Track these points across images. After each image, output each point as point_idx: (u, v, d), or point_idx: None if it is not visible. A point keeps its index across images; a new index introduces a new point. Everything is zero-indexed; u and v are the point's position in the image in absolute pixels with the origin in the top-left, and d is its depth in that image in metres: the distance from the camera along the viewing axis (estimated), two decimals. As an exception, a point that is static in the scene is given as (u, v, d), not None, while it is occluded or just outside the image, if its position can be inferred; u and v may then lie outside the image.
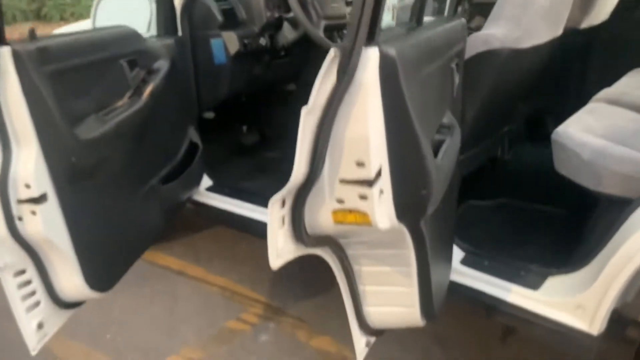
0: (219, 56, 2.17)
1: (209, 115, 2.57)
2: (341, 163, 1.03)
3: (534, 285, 1.56)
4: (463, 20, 1.53)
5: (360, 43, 0.99)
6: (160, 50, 1.88)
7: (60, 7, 9.65)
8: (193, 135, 2.11)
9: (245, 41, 2.17)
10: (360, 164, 1.02)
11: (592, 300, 1.38)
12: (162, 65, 1.81)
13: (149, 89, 1.69)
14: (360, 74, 1.00)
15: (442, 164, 1.20)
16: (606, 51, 2.36)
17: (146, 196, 1.75)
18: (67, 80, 1.36)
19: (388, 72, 1.01)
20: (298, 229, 1.13)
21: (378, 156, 1.02)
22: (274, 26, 2.28)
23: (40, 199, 1.26)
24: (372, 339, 1.44)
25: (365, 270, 1.35)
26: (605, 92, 1.99)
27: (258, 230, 1.99)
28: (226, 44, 2.15)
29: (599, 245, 1.44)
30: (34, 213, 1.27)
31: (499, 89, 1.75)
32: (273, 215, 1.07)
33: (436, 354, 1.97)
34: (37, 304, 1.41)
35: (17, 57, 1.23)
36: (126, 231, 1.65)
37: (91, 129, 1.41)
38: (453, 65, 1.36)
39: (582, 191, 1.56)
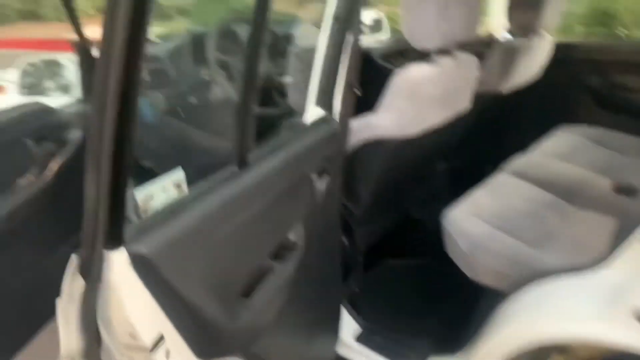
0: (147, 115, 2.23)
1: None
2: (117, 335, 0.92)
3: None
4: (334, 122, 1.51)
5: (99, 248, 0.85)
6: (76, 118, 1.93)
7: (57, 7, 9.71)
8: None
9: (172, 101, 2.22)
10: (133, 337, 0.92)
11: None
12: (76, 135, 1.86)
13: (57, 163, 1.74)
14: (109, 277, 0.86)
15: (260, 297, 1.16)
16: (532, 110, 2.39)
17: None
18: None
19: (144, 272, 0.89)
20: None
21: (152, 331, 0.94)
22: (206, 85, 2.33)
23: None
24: None
25: None
26: (516, 162, 2.02)
27: None
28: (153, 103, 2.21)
29: (473, 333, 1.49)
30: None
31: (395, 169, 1.79)
32: None
33: None
34: None
35: None
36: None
37: None
38: (312, 175, 1.39)
39: None
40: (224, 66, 2.25)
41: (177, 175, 1.01)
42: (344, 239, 1.88)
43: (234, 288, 1.06)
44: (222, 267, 1.02)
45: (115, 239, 0.85)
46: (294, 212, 1.30)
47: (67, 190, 1.76)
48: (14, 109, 1.72)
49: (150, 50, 2.29)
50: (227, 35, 2.33)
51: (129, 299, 0.87)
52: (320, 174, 1.44)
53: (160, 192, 0.96)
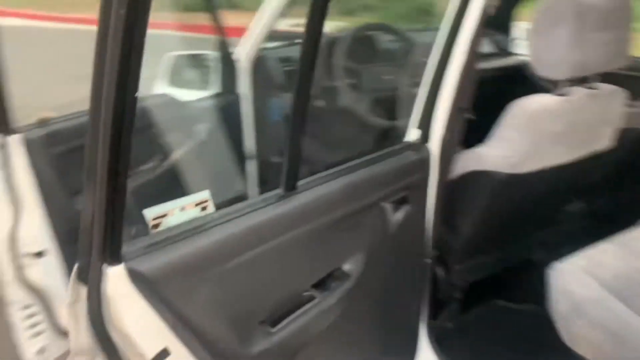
0: (275, 115, 2.30)
1: None
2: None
3: None
4: (423, 148, 1.41)
5: (97, 264, 0.85)
6: (204, 112, 2.07)
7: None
8: None
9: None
10: (134, 347, 0.91)
11: None
12: (201, 128, 2.00)
13: (178, 154, 1.89)
14: (107, 290, 0.86)
15: (288, 326, 1.11)
16: None
17: None
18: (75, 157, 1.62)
19: (144, 289, 0.88)
20: None
21: (154, 345, 0.93)
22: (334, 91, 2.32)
23: (40, 254, 1.54)
24: None
25: None
26: None
27: None
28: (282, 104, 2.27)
29: None
30: (34, 264, 1.56)
31: (507, 205, 1.62)
32: None
33: None
34: (40, 332, 1.70)
35: (27, 143, 1.51)
36: None
37: None
38: (385, 205, 1.30)
39: None
40: (351, 74, 2.21)
41: (202, 195, 1.02)
42: (441, 272, 1.75)
43: (253, 314, 1.04)
44: (240, 292, 1.00)
45: (113, 255, 0.85)
46: (353, 242, 1.24)
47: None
48: (145, 98, 1.89)
49: (287, 52, 2.34)
50: (361, 41, 2.28)
51: (128, 312, 0.88)
52: (398, 203, 1.35)
53: (177, 211, 0.97)
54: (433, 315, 1.79)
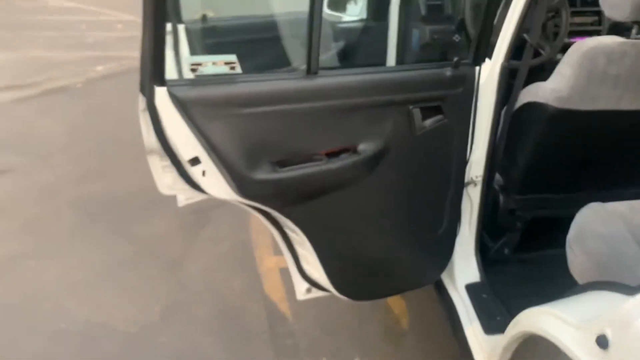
0: (415, 45, 2.51)
1: None
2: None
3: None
4: (467, 68, 1.54)
5: (149, 84, 1.25)
6: (348, 32, 2.39)
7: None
8: None
9: (435, 36, 2.43)
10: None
11: None
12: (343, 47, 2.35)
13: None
14: (157, 105, 1.27)
15: (290, 171, 1.43)
16: None
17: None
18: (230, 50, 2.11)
19: (181, 110, 1.28)
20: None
21: (188, 151, 1.33)
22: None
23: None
24: (312, 288, 1.81)
25: (290, 235, 1.65)
26: None
27: None
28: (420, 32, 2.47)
29: None
30: None
31: (554, 142, 1.67)
32: None
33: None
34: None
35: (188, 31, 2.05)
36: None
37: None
38: (412, 107, 1.49)
39: None
40: (477, 9, 2.31)
41: (230, 57, 1.39)
42: (503, 199, 1.88)
43: (263, 153, 1.39)
44: (254, 133, 1.36)
45: (159, 78, 1.25)
46: (371, 130, 1.49)
47: None
48: (294, 13, 2.30)
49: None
50: None
51: (169, 123, 1.29)
52: (429, 110, 1.55)
53: (210, 64, 1.36)
54: (493, 239, 1.94)
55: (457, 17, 2.42)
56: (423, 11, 2.49)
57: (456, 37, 2.48)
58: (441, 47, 2.44)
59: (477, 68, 1.57)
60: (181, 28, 2.00)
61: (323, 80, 1.42)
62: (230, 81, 1.36)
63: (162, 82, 1.27)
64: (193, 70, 1.33)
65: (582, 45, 1.51)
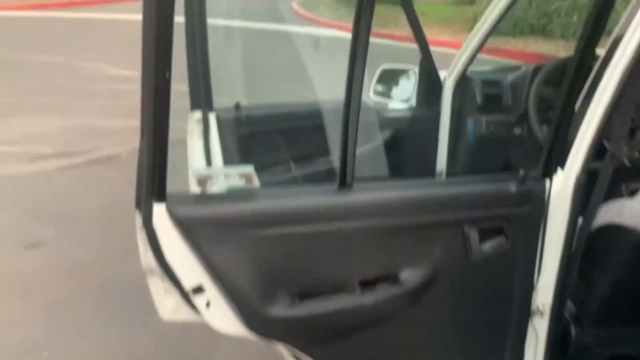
0: (469, 135, 2.29)
1: None
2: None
3: None
4: (533, 182, 1.30)
5: (147, 199, 1.07)
6: (398, 121, 2.21)
7: (565, 25, 9.94)
8: None
9: (492, 128, 2.21)
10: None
11: None
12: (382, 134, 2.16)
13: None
14: (154, 223, 1.08)
15: (312, 306, 1.20)
16: None
17: None
18: (260, 139, 1.93)
19: (180, 229, 1.08)
20: None
21: (191, 278, 1.12)
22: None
23: None
24: None
25: None
26: None
27: None
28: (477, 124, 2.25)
29: None
30: None
31: None
32: None
33: None
34: None
35: (220, 121, 1.88)
36: None
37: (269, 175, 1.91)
38: (469, 228, 1.23)
39: None
40: (543, 104, 2.07)
41: (247, 168, 1.17)
42: (574, 331, 1.57)
43: (283, 283, 1.16)
44: (272, 260, 1.14)
45: (158, 193, 1.07)
46: (417, 255, 1.24)
47: None
48: (326, 102, 2.13)
49: (493, 76, 2.32)
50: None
51: (168, 245, 1.08)
52: (490, 232, 1.29)
53: (222, 177, 1.15)
54: None
55: (517, 109, 2.19)
56: (479, 100, 2.28)
57: (516, 131, 2.24)
58: (500, 146, 2.21)
59: (548, 181, 1.31)
60: (212, 116, 1.85)
61: (359, 196, 1.19)
62: (246, 197, 1.16)
63: (161, 197, 1.09)
64: (200, 185, 1.13)
65: None
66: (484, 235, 1.27)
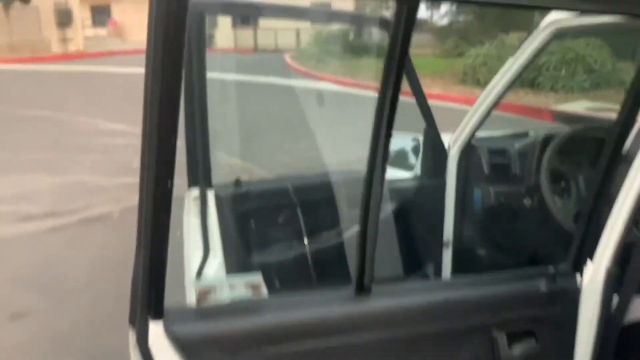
0: (476, 207, 2.20)
1: None
2: None
3: None
4: (566, 279, 1.20)
5: (142, 316, 0.95)
6: (403, 191, 2.13)
7: (554, 78, 10.12)
8: None
9: (502, 199, 2.13)
10: None
11: None
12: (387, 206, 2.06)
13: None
14: (150, 342, 0.97)
15: None
16: None
17: None
18: (261, 217, 1.84)
19: (179, 350, 0.97)
20: None
21: None
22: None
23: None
24: None
25: None
26: None
27: None
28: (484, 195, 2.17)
29: None
30: None
31: None
32: None
33: None
34: None
35: (218, 198, 1.79)
36: None
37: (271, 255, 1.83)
38: (498, 334, 1.12)
39: None
40: (557, 177, 2.00)
41: (254, 277, 1.06)
42: None
43: None
44: None
45: (155, 310, 0.95)
46: None
47: None
48: (337, 173, 2.05)
49: (498, 144, 2.25)
50: (579, 141, 2.05)
51: None
52: (519, 336, 1.18)
53: (226, 288, 1.04)
54: None
55: (527, 180, 2.12)
56: (486, 169, 2.21)
57: (526, 201, 2.16)
58: (510, 218, 2.12)
59: (578, 276, 1.22)
60: (210, 194, 1.76)
61: (378, 302, 1.07)
62: (252, 310, 1.04)
63: (159, 314, 0.97)
64: (200, 299, 1.01)
65: None
66: (513, 339, 1.16)
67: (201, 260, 1.74)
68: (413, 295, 1.11)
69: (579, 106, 9.31)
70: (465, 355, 1.14)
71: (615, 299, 1.25)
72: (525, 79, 10.42)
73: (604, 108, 8.97)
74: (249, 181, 1.95)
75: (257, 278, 1.07)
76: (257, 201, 1.83)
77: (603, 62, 10.50)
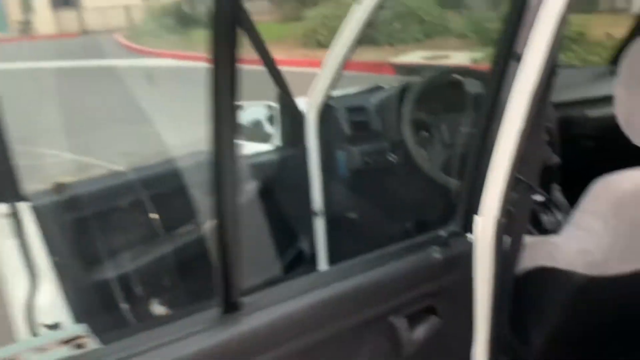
0: (343, 170, 2.08)
1: None
2: None
3: None
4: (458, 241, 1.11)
5: None
6: (264, 166, 1.93)
7: (389, 33, 10.48)
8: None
9: (367, 159, 2.02)
10: None
11: None
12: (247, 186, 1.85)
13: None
14: None
15: None
16: None
17: None
18: (91, 225, 1.54)
19: None
20: None
21: None
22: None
23: (54, 327, 1.48)
24: None
25: None
26: None
27: None
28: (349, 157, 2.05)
29: None
30: None
31: (583, 319, 1.23)
32: None
33: None
34: None
35: (38, 210, 1.46)
36: None
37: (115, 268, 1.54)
38: (396, 320, 0.99)
39: None
40: (419, 127, 1.93)
41: (75, 330, 0.81)
42: None
43: None
44: None
45: None
46: None
47: None
48: (184, 158, 1.79)
49: (355, 101, 2.13)
50: (440, 88, 1.99)
51: None
52: (419, 315, 1.05)
53: (31, 355, 0.77)
54: None
55: (390, 136, 2.02)
56: (347, 129, 2.07)
57: (391, 157, 2.07)
58: (381, 178, 2.02)
59: (469, 236, 1.10)
60: (25, 207, 1.41)
61: (253, 319, 0.85)
62: None
63: None
64: None
65: (613, 188, 1.10)
66: (413, 320, 1.03)
67: (29, 290, 1.41)
68: (294, 299, 0.91)
69: (415, 56, 9.76)
70: (366, 353, 0.98)
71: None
72: (365, 37, 10.66)
73: (438, 56, 9.52)
74: (79, 181, 1.61)
75: (82, 329, 0.80)
76: (90, 205, 1.51)
77: (432, 12, 11.08)
